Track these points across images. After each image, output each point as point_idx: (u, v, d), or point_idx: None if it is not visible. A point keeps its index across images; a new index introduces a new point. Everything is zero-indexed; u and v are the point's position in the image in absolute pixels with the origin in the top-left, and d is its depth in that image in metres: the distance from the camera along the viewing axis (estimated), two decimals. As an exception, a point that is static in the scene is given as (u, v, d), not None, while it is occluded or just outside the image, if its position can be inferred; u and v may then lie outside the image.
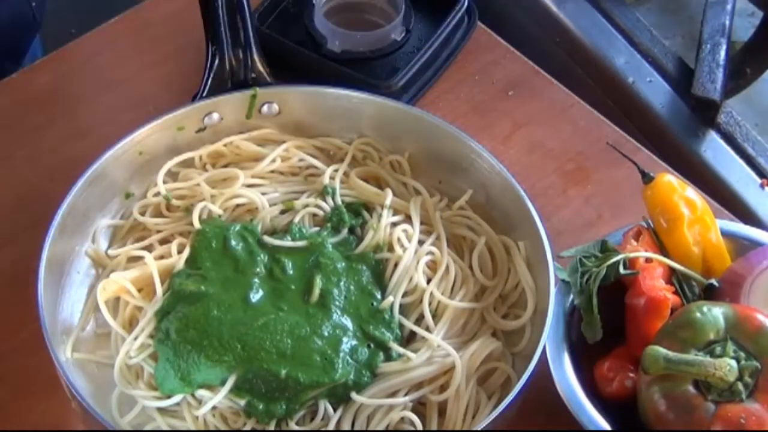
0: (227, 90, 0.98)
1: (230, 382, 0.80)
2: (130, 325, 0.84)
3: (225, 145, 0.94)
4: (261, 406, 0.80)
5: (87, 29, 1.15)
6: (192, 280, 0.84)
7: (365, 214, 0.92)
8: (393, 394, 0.81)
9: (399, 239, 0.88)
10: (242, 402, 0.80)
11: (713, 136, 1.25)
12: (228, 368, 0.80)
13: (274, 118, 0.96)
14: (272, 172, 0.94)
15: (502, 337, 0.87)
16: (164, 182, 0.91)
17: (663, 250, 0.86)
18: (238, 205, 0.91)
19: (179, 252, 0.87)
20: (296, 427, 0.80)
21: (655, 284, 0.81)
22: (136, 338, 0.82)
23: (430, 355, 0.83)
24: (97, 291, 0.85)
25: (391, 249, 0.88)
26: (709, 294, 0.84)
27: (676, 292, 0.83)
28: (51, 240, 0.83)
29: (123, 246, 0.89)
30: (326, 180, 0.92)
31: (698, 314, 0.77)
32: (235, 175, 0.92)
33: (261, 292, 0.84)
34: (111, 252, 0.89)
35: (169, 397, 0.80)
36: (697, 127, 1.26)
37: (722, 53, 1.29)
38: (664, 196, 0.87)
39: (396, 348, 0.83)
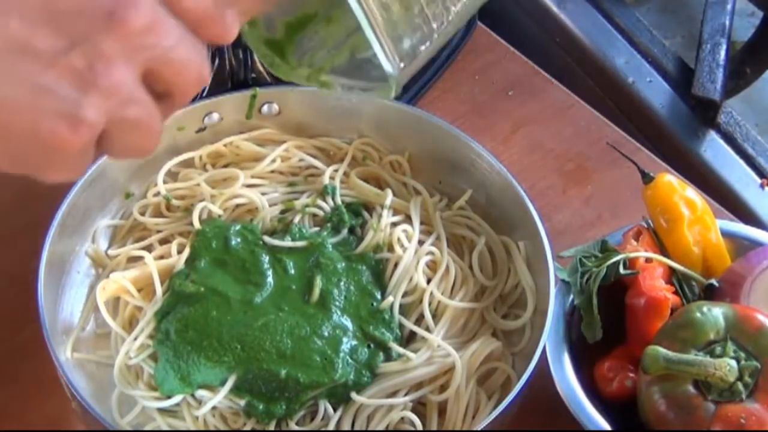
0: (227, 90, 0.98)
1: (230, 382, 0.80)
2: (130, 325, 0.84)
3: (225, 145, 0.94)
4: (261, 406, 0.80)
5: (87, 29, 1.15)
6: (192, 281, 0.84)
7: (365, 214, 0.92)
8: (393, 394, 0.81)
9: (399, 239, 0.88)
10: (242, 402, 0.80)
11: (713, 136, 1.25)
12: (228, 368, 0.80)
13: (274, 118, 0.96)
14: (272, 172, 0.93)
15: (502, 337, 0.87)
16: (164, 182, 0.91)
17: (663, 250, 0.86)
18: (238, 205, 0.91)
19: (179, 252, 0.87)
20: (296, 427, 0.80)
21: (655, 284, 0.81)
22: (135, 338, 0.82)
23: (430, 355, 0.83)
24: (96, 291, 0.85)
25: (391, 249, 0.88)
26: (709, 294, 0.84)
27: (676, 292, 0.83)
28: (51, 240, 0.83)
29: (123, 246, 0.89)
30: (326, 180, 0.92)
31: (698, 314, 0.77)
32: (235, 175, 0.92)
33: (265, 292, 0.84)
34: (111, 252, 0.89)
35: (169, 397, 0.80)
36: (697, 127, 1.26)
37: (722, 53, 1.29)
38: (664, 196, 0.87)
39: (396, 348, 0.83)
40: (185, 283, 0.84)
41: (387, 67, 0.59)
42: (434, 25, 0.60)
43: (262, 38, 0.68)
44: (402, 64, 0.59)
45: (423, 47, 0.60)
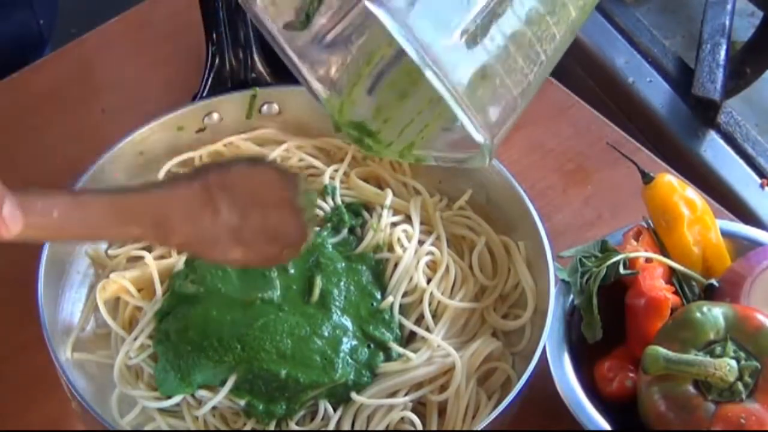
0: (227, 90, 0.98)
1: (230, 382, 0.80)
2: (130, 325, 0.84)
3: (225, 145, 0.94)
4: (261, 407, 0.80)
5: (87, 29, 1.15)
6: (192, 281, 0.84)
7: (365, 214, 0.92)
8: (393, 394, 0.81)
9: (399, 239, 0.88)
10: (242, 402, 0.80)
11: (713, 136, 1.25)
12: (228, 369, 0.80)
13: (274, 118, 0.96)
14: (272, 172, 0.93)
15: (502, 337, 0.87)
16: (164, 182, 0.91)
17: (663, 250, 0.86)
18: (238, 205, 0.91)
19: (179, 252, 0.87)
20: (296, 427, 0.80)
21: (655, 284, 0.81)
22: (135, 339, 0.82)
23: (430, 355, 0.83)
24: (96, 291, 0.85)
25: (391, 249, 0.88)
26: (709, 294, 0.84)
27: (676, 292, 0.83)
28: (51, 240, 0.83)
29: (123, 246, 0.89)
30: (326, 180, 0.92)
31: (698, 314, 0.77)
32: (235, 175, 0.91)
33: (274, 290, 0.84)
34: (111, 252, 0.89)
35: (169, 397, 0.80)
36: (697, 127, 1.26)
37: (722, 53, 1.29)
38: (664, 196, 0.87)
39: (396, 348, 0.83)
40: (185, 284, 0.84)
41: (477, 138, 0.60)
42: (515, 93, 0.61)
43: (349, 121, 0.69)
44: (492, 133, 0.60)
45: (510, 114, 0.61)
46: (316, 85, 0.72)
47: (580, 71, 1.36)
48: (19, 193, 0.64)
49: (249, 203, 0.72)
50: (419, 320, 0.86)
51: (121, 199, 0.71)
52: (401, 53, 0.65)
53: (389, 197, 0.91)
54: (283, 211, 0.73)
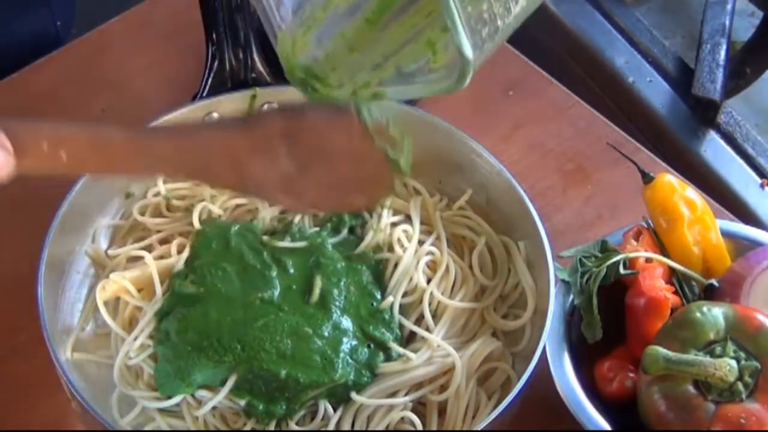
0: (227, 90, 0.98)
1: (230, 382, 0.80)
2: (130, 325, 0.84)
3: (225, 145, 0.94)
4: (261, 407, 0.80)
5: (87, 29, 1.15)
6: (192, 281, 0.84)
7: (365, 214, 0.92)
8: (393, 394, 0.81)
9: (399, 239, 0.88)
10: (242, 402, 0.80)
11: (713, 136, 1.25)
12: (228, 369, 0.80)
13: (274, 118, 0.96)
14: (272, 172, 0.93)
15: (502, 337, 0.87)
16: (164, 182, 0.91)
17: (663, 250, 0.86)
18: (238, 206, 0.91)
19: (179, 252, 0.87)
20: (296, 427, 0.80)
21: (655, 284, 0.81)
22: (135, 339, 0.82)
23: (430, 355, 0.83)
24: (96, 291, 0.85)
25: (391, 249, 0.88)
26: (709, 294, 0.84)
27: (676, 292, 0.83)
28: (51, 240, 0.83)
29: (123, 246, 0.89)
30: (326, 180, 0.92)
31: (698, 314, 0.77)
32: (235, 175, 0.91)
33: (274, 290, 0.84)
34: (111, 252, 0.89)
35: (169, 397, 0.80)
36: (697, 127, 1.26)
37: (722, 53, 1.29)
38: (664, 196, 0.87)
39: (396, 348, 0.83)
40: (185, 284, 0.84)
41: (468, 52, 0.59)
42: (499, 23, 0.60)
43: (300, 65, 0.69)
44: (474, 55, 0.59)
45: (488, 41, 0.61)
46: (276, 21, 0.71)
47: (580, 71, 1.36)
48: (21, 126, 0.55)
49: (315, 154, 0.66)
50: (419, 320, 0.86)
51: (148, 141, 0.61)
52: (356, 7, 0.64)
53: (389, 197, 0.90)
54: (361, 163, 0.67)
